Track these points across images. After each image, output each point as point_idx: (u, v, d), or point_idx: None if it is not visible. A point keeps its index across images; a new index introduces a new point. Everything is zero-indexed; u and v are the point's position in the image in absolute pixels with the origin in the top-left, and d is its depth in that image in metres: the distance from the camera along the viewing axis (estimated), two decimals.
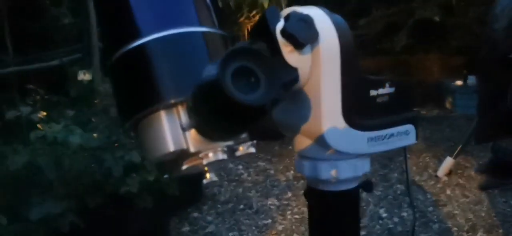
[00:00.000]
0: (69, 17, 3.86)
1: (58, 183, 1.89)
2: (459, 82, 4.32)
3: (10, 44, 3.47)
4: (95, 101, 2.71)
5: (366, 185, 0.59)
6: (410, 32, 4.32)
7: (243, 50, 0.35)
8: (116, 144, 2.19)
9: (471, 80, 4.06)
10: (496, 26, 1.61)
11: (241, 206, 2.70)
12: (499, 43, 1.59)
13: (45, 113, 2.11)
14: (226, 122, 0.37)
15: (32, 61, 3.51)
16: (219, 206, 2.71)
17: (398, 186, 2.79)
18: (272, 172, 3.14)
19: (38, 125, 2.01)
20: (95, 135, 2.10)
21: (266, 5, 4.03)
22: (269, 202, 2.73)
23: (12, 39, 3.49)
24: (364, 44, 4.64)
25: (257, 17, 4.12)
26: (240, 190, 2.90)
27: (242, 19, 4.09)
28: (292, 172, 3.11)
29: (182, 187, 2.26)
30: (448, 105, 4.44)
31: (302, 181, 3.02)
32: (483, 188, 2.71)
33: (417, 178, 2.90)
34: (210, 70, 0.36)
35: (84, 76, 2.68)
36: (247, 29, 4.09)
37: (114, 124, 2.25)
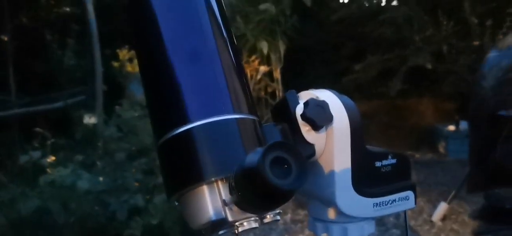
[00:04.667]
0: (74, 59, 3.98)
1: (65, 226, 1.94)
2: (451, 127, 4.42)
3: (14, 84, 3.55)
4: (98, 144, 2.78)
5: None
6: (404, 78, 4.47)
7: (280, 144, 0.44)
8: (120, 188, 2.24)
9: (463, 125, 4.17)
10: (484, 83, 1.72)
11: None
12: (488, 101, 1.69)
13: (53, 158, 2.17)
14: (263, 201, 0.45)
15: (36, 103, 3.59)
16: None
17: (394, 230, 2.84)
18: None
19: (47, 170, 2.07)
20: (101, 178, 2.16)
21: (265, 50, 4.16)
22: None
23: (16, 80, 3.57)
24: (360, 88, 4.78)
25: (256, 62, 4.24)
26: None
27: None
28: (289, 215, 3.15)
29: (183, 228, 2.31)
30: (441, 149, 4.53)
31: (299, 224, 3.06)
32: (477, 234, 2.76)
33: (412, 222, 2.96)
34: (251, 158, 0.44)
35: (89, 119, 2.76)
36: (247, 74, 4.20)
37: (119, 168, 2.32)
